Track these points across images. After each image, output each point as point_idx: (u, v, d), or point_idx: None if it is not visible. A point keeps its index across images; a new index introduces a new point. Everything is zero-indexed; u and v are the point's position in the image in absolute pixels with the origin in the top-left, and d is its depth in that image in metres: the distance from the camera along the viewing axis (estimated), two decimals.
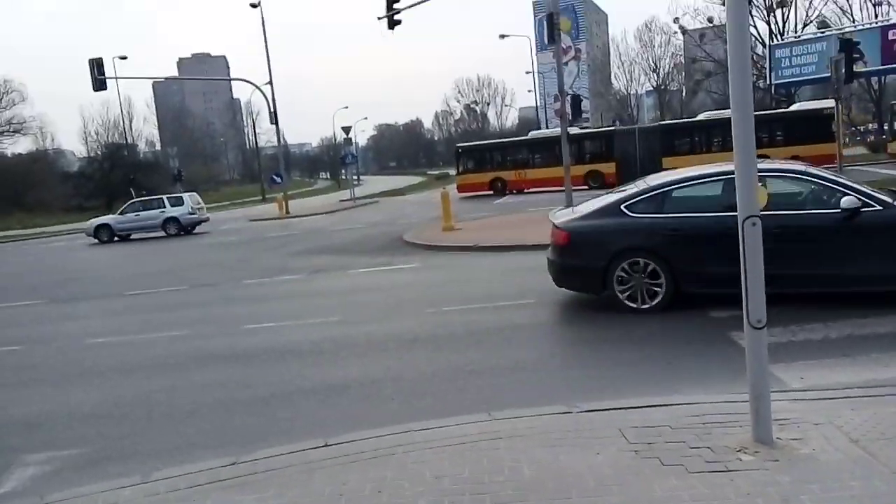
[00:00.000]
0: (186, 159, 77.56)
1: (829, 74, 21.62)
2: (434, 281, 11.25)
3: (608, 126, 36.37)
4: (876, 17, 48.87)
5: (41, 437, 5.31)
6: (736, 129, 3.73)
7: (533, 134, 37.20)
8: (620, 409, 4.51)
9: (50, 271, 18.31)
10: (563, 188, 33.05)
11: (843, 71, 20.30)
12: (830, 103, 28.86)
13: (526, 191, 33.65)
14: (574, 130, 36.07)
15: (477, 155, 36.23)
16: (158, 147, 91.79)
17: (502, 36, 57.39)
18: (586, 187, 29.51)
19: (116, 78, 36.71)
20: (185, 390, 6.15)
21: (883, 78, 49.64)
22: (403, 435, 4.36)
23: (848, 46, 22.22)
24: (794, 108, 32.25)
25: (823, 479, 3.41)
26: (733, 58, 3.70)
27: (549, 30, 18.03)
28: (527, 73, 74.02)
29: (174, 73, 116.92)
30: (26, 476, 4.57)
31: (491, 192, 34.00)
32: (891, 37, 33.54)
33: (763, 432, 3.87)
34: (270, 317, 9.01)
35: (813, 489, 3.32)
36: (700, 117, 33.13)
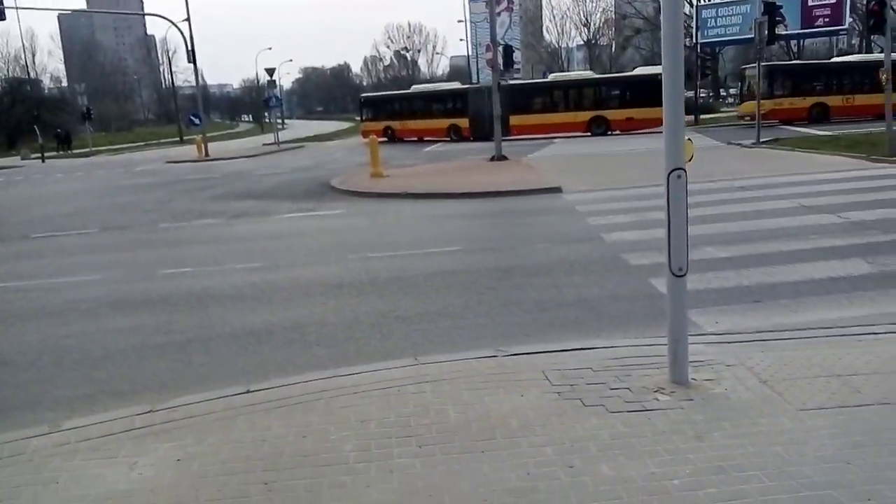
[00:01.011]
0: (96, 97, 72.82)
1: (752, 36, 22.27)
2: (360, 227, 11.08)
3: (474, 84, 38.29)
4: None
5: None
6: (666, 86, 3.75)
7: (414, 88, 39.34)
8: (544, 352, 4.58)
9: None
10: (435, 138, 33.80)
11: (766, 33, 20.93)
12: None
13: (405, 139, 35.93)
14: (432, 87, 38.48)
15: (375, 105, 39.08)
16: (65, 83, 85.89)
17: None
18: (448, 139, 33.74)
19: (17, 8, 33.81)
20: (97, 336, 5.85)
21: (802, 41, 51.67)
22: (330, 380, 4.30)
23: (771, 9, 22.85)
24: (634, 72, 34.25)
25: (734, 416, 3.58)
26: (666, 15, 3.69)
27: None
28: (459, 21, 72.87)
29: (82, 5, 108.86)
30: None
31: (385, 139, 35.54)
32: (810, 2, 34.79)
33: (679, 373, 4.02)
34: (188, 262, 8.66)
35: (724, 426, 3.47)
36: (549, 78, 35.12)
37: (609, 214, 10.07)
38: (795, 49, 55.59)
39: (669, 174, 3.77)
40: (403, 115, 36.88)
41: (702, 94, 43.90)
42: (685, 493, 2.89)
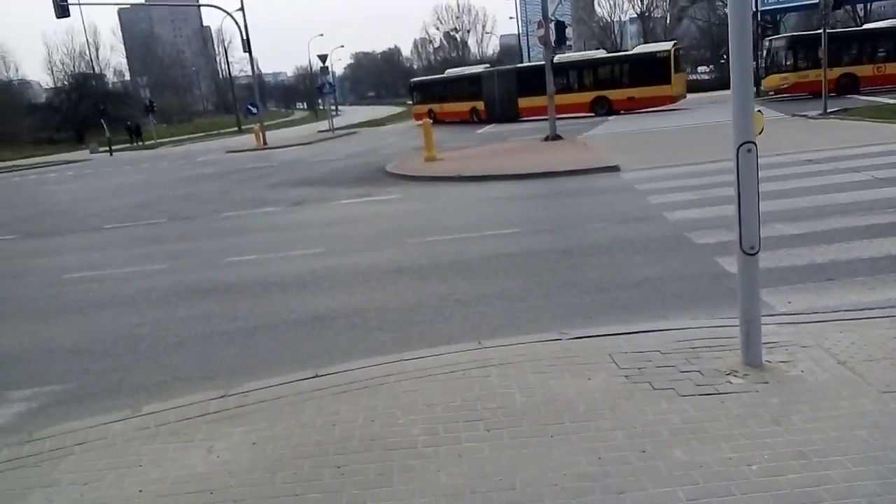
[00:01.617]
0: (157, 89, 75.00)
1: (815, 1, 21.18)
2: (416, 211, 11.12)
3: (487, 67, 38.61)
4: None
5: (22, 374, 5.22)
6: (733, 56, 3.61)
7: (448, 72, 40.73)
8: (610, 335, 4.51)
9: (23, 205, 17.87)
10: (462, 119, 35.98)
11: None
12: (667, 46, 30.61)
13: (445, 121, 36.76)
14: (456, 72, 39.46)
15: (421, 89, 41.04)
16: (128, 77, 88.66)
17: None
18: (471, 120, 35.34)
19: (80, 4, 34.91)
20: (169, 324, 6.05)
21: (869, 4, 48.97)
22: (394, 364, 4.34)
23: None
24: (635, 50, 33.53)
25: (812, 399, 3.45)
26: None
27: None
28: None
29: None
30: (11, 413, 4.50)
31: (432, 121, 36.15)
32: None
33: (753, 356, 3.89)
34: (252, 249, 8.86)
35: (802, 409, 3.35)
36: (557, 59, 34.51)
37: (670, 192, 9.81)
38: (862, 13, 52.71)
39: (739, 148, 3.63)
40: (442, 98, 38.32)
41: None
42: (764, 479, 2.80)
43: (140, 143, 49.04)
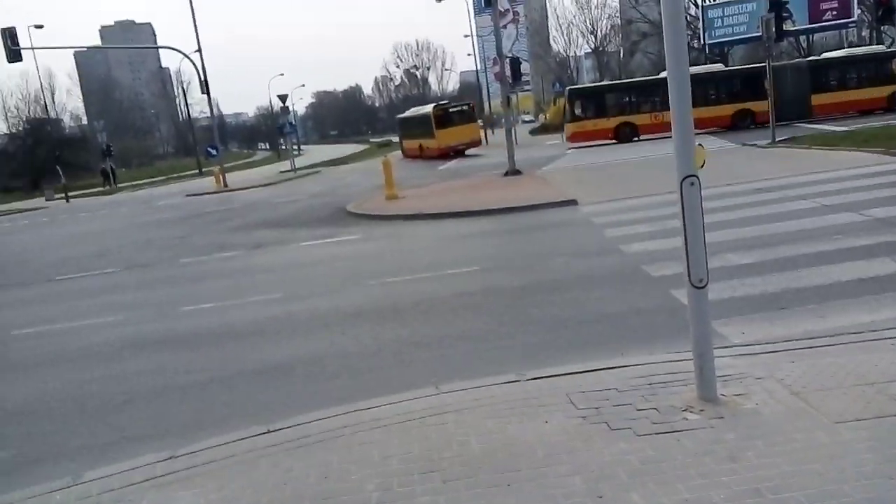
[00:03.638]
0: (116, 133, 74.25)
1: (759, 33, 22.05)
2: (378, 252, 11.07)
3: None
4: None
5: None
6: (672, 91, 3.68)
7: (409, 112, 43.47)
8: (567, 374, 4.49)
9: None
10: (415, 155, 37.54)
11: (774, 30, 20.73)
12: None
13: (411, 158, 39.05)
14: (413, 111, 41.93)
15: (400, 126, 43.84)
16: (85, 121, 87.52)
17: None
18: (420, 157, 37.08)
19: (33, 48, 34.51)
20: (119, 380, 5.86)
21: (811, 36, 51.19)
22: (349, 415, 4.24)
23: (777, 6, 22.63)
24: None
25: (767, 433, 3.46)
26: (667, 18, 3.63)
27: None
28: (465, 36, 73.15)
29: (97, 41, 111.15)
30: None
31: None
32: None
33: (707, 390, 3.90)
34: (209, 297, 8.69)
35: (758, 445, 3.36)
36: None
37: (626, 225, 9.94)
38: (805, 45, 55.02)
39: (682, 182, 3.68)
40: (406, 135, 41.45)
41: None
42: None
43: (115, 186, 48.54)
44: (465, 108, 37.28)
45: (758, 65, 27.20)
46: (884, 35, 47.39)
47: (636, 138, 29.53)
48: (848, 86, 28.97)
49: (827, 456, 3.19)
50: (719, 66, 33.32)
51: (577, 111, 30.35)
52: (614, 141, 29.45)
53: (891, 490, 2.86)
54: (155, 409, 5.10)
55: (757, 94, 26.30)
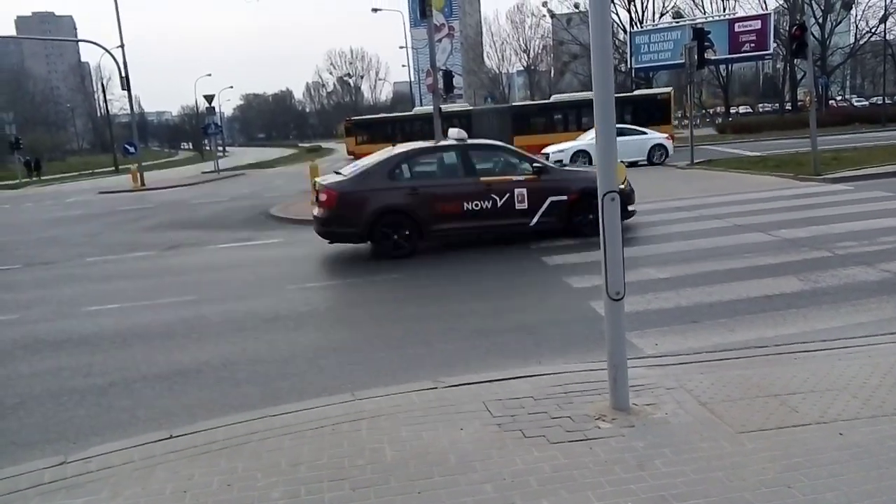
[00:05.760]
0: (27, 126, 70.23)
1: (683, 61, 23.07)
2: (299, 256, 10.81)
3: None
4: (724, 10, 53.18)
5: None
6: (597, 111, 3.72)
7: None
8: (484, 381, 4.46)
9: None
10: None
11: (696, 58, 21.72)
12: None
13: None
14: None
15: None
16: None
17: (375, 10, 56.16)
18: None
19: None
20: (10, 382, 5.44)
21: (730, 66, 54.11)
22: (259, 421, 4.06)
23: (700, 36, 23.77)
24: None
25: (675, 442, 3.52)
26: (595, 41, 3.68)
27: (422, 5, 17.93)
28: (401, 47, 73.06)
29: (12, 31, 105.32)
30: None
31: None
32: (737, 29, 36.56)
33: (620, 399, 3.95)
34: (116, 297, 8.24)
35: (665, 453, 3.41)
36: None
37: (552, 237, 10.07)
38: (724, 73, 58.04)
39: (603, 197, 3.74)
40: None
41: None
42: None
43: (38, 179, 46.11)
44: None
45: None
46: (797, 69, 50.53)
47: None
48: (546, 130, 31.50)
49: (730, 465, 3.26)
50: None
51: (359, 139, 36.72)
52: None
53: (788, 498, 2.95)
54: (48, 414, 4.75)
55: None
